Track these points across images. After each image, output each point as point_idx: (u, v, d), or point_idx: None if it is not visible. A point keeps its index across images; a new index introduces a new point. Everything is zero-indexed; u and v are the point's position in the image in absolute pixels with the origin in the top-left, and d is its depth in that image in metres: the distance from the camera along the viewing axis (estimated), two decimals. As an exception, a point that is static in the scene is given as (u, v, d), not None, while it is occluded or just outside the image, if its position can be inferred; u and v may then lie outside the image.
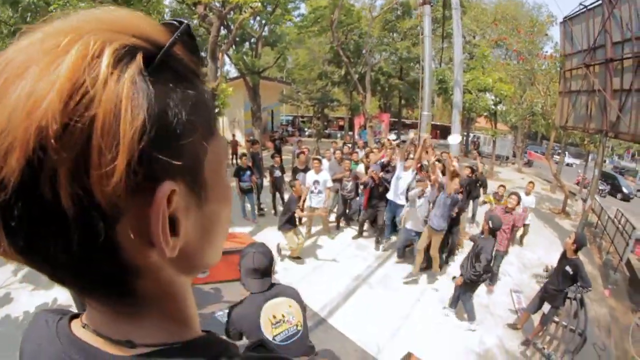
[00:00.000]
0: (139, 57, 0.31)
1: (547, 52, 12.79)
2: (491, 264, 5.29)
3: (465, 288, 5.22)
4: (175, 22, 0.37)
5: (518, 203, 6.44)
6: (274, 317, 2.39)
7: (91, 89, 0.28)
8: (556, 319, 5.39)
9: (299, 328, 2.47)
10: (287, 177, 9.33)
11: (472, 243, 5.47)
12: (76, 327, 0.44)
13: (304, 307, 2.55)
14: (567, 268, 4.78)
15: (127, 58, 0.30)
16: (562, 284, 4.88)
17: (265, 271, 2.41)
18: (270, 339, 2.33)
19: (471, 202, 9.28)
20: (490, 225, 5.04)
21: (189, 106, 0.34)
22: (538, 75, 12.16)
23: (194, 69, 0.38)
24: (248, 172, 8.41)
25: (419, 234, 6.39)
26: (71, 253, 0.31)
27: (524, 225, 8.33)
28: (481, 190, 9.74)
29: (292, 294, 2.53)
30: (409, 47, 22.41)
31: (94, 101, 0.28)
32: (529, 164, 24.22)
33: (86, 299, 0.40)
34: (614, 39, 7.85)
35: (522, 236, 8.99)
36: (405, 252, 7.19)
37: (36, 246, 0.31)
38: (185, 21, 0.38)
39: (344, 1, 17.03)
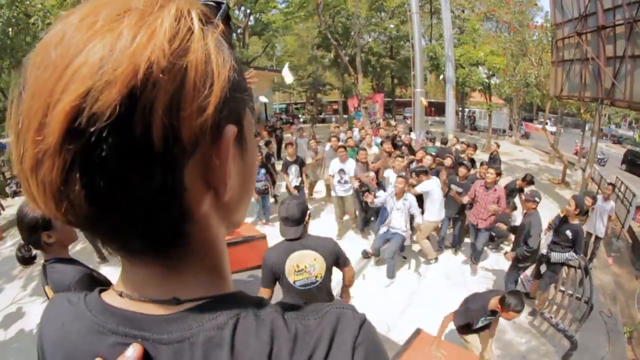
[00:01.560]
0: (219, 21, 0.38)
1: (537, 22, 12.64)
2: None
3: (515, 263, 5.25)
4: (213, 3, 0.41)
5: (498, 175, 5.79)
6: (297, 266, 2.71)
7: (189, 37, 0.33)
8: (562, 287, 5.44)
9: (318, 279, 2.77)
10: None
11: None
12: (111, 297, 0.45)
13: (334, 259, 2.81)
14: (568, 232, 4.81)
15: (207, 21, 0.36)
16: (565, 245, 4.93)
17: (297, 220, 2.64)
18: (292, 282, 2.71)
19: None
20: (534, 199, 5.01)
21: (239, 68, 0.40)
22: (530, 46, 12.00)
23: (233, 43, 0.43)
24: (263, 170, 7.43)
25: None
26: (144, 195, 0.33)
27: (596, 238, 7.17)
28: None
29: (323, 247, 2.76)
30: (397, 26, 22.08)
31: (191, 47, 0.33)
32: (526, 136, 24.09)
33: (135, 258, 0.41)
34: (604, 5, 7.72)
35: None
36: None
37: (113, 187, 0.32)
38: (224, 1, 0.42)
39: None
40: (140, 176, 0.32)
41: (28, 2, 7.84)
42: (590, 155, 9.61)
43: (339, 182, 7.07)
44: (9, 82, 15.22)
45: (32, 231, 1.79)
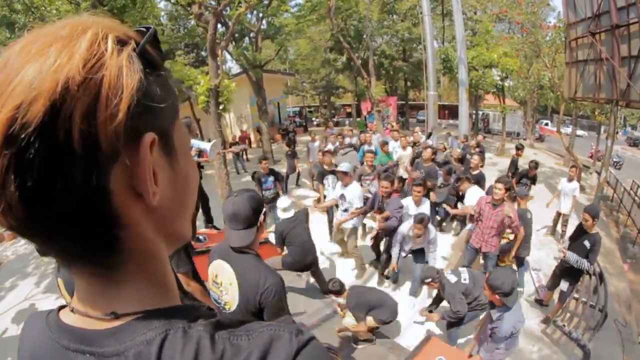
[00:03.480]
0: (132, 42, 0.42)
1: (550, 22, 12.44)
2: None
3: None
4: (143, 28, 0.46)
5: (506, 191, 5.00)
6: (217, 276, 2.17)
7: (102, 57, 0.38)
8: (576, 295, 5.31)
9: (227, 308, 2.11)
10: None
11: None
12: (65, 314, 0.49)
13: (255, 307, 1.99)
14: (586, 242, 4.69)
15: (122, 43, 0.41)
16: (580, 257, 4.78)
17: (244, 221, 1.94)
18: (208, 288, 2.27)
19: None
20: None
21: (160, 83, 0.44)
22: (543, 47, 11.82)
23: (160, 61, 0.46)
24: (271, 178, 7.02)
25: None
26: (70, 196, 0.37)
27: (562, 215, 7.74)
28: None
29: (247, 280, 2.00)
30: (409, 28, 21.98)
31: (104, 65, 0.38)
32: (540, 138, 23.60)
33: (73, 266, 0.44)
34: (618, 4, 7.59)
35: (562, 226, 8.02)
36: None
37: (42, 187, 0.36)
38: (152, 27, 0.47)
39: (340, -14, 16.82)
40: (64, 177, 0.36)
41: (44, 8, 8.12)
42: (605, 158, 9.39)
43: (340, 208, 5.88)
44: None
45: None
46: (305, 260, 4.88)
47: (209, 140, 6.14)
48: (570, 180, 7.62)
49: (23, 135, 0.34)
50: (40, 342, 0.48)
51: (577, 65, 9.95)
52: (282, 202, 5.66)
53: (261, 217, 1.99)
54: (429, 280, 4.32)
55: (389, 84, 28.29)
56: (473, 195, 5.89)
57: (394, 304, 4.38)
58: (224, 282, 2.09)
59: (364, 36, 20.77)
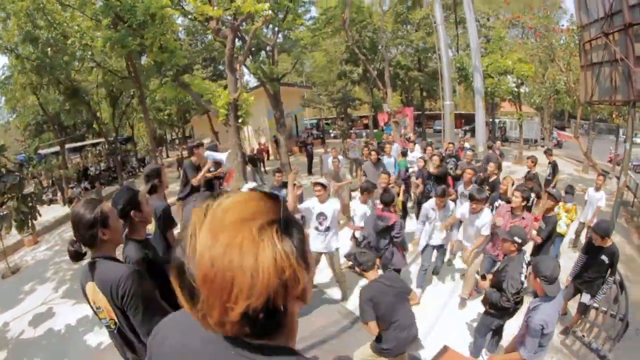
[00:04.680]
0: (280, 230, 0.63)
1: (563, 25, 12.36)
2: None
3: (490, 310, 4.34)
4: (272, 194, 0.69)
5: (523, 200, 4.98)
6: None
7: (284, 258, 0.60)
8: (595, 304, 5.14)
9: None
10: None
11: None
12: None
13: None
14: (604, 257, 4.53)
15: (285, 236, 0.63)
16: (598, 275, 4.66)
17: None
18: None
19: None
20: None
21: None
22: (557, 50, 11.72)
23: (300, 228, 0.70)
24: (284, 191, 6.40)
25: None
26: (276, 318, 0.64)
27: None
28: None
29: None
30: (423, 38, 22.12)
31: (285, 263, 0.60)
32: (558, 145, 23.18)
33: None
34: (630, 2, 7.51)
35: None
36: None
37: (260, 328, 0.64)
38: (282, 198, 0.71)
39: (353, -1, 17.13)
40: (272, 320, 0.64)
41: (66, 24, 8.58)
42: (624, 162, 9.16)
43: (317, 230, 5.18)
44: (47, 98, 16.61)
45: (90, 227, 1.96)
46: None
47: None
48: (597, 189, 7.46)
49: (252, 313, 0.59)
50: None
51: (592, 68, 9.82)
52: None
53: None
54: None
55: (404, 95, 28.37)
56: (464, 208, 5.56)
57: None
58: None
59: (379, 47, 20.99)
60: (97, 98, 19.85)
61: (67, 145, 20.70)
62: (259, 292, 0.57)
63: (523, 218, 4.96)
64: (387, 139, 13.51)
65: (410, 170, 9.14)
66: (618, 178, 9.63)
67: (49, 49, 9.21)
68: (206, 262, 0.58)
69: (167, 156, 31.36)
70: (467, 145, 11.19)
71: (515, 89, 16.08)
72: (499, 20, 19.57)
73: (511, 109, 20.05)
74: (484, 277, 4.23)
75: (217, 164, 6.04)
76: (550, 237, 5.45)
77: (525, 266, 3.75)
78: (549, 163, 9.43)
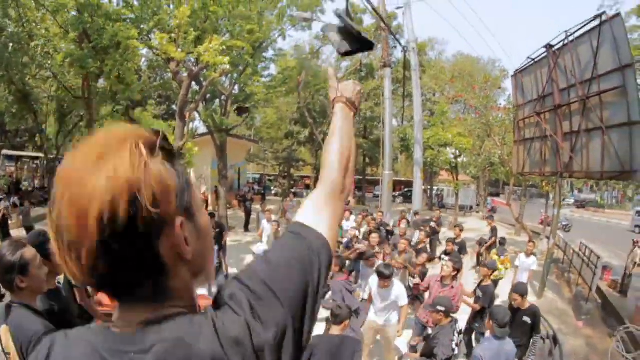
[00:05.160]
0: (157, 145, 0.59)
1: (501, 104, 14.00)
2: None
3: None
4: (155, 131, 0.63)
5: (454, 270, 5.23)
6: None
7: (144, 164, 0.55)
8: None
9: None
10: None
11: None
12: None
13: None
14: (526, 318, 4.65)
15: (151, 147, 0.58)
16: (523, 336, 4.65)
17: None
18: None
19: None
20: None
21: (181, 172, 0.62)
22: (494, 127, 13.12)
23: (176, 154, 0.64)
24: (216, 247, 6.38)
25: None
26: (139, 260, 0.56)
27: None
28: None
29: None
30: (372, 108, 23.70)
31: (149, 169, 0.55)
32: (493, 210, 24.76)
33: (127, 301, 0.62)
34: (560, 86, 8.69)
35: None
36: None
37: (123, 255, 0.54)
38: (162, 130, 0.64)
39: (311, 63, 18.07)
40: (135, 247, 0.55)
41: (34, 24, 8.10)
42: (553, 225, 10.04)
43: None
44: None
45: (8, 272, 1.90)
46: None
47: None
48: (528, 255, 7.84)
49: (112, 224, 0.51)
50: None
51: (524, 143, 11.01)
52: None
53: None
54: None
55: (348, 160, 29.42)
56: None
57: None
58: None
59: (329, 112, 21.95)
60: (47, 110, 18.83)
61: (4, 152, 19.50)
62: (112, 198, 0.51)
63: (452, 287, 5.10)
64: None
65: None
66: (548, 238, 10.46)
67: (11, 44, 8.55)
68: (66, 173, 0.55)
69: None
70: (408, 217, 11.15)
71: (454, 160, 17.44)
72: (444, 96, 21.68)
73: (449, 177, 21.58)
74: (414, 350, 4.50)
75: None
76: (490, 305, 5.48)
77: (456, 334, 3.83)
78: (491, 229, 10.15)
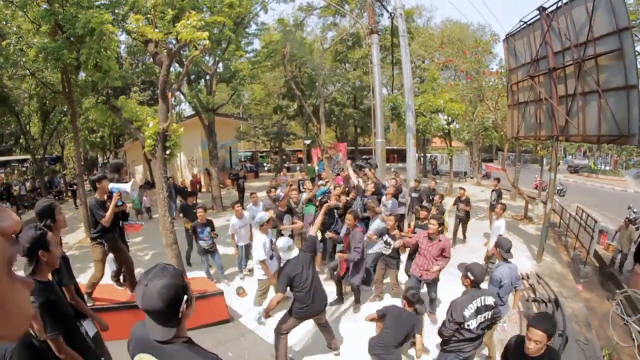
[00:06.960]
0: None
1: (492, 69, 13.68)
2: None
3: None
4: None
5: (439, 226, 5.52)
6: None
7: None
8: None
9: None
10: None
11: None
12: None
13: None
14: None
15: None
16: None
17: (160, 313, 1.56)
18: None
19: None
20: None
21: None
22: (486, 91, 12.89)
23: None
24: (207, 229, 7.12)
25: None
26: None
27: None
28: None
29: None
30: (360, 76, 23.20)
31: None
32: (487, 176, 25.09)
33: None
34: (554, 49, 8.46)
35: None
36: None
37: None
38: None
39: (295, 35, 17.46)
40: None
41: (4, 23, 7.66)
42: (549, 190, 10.06)
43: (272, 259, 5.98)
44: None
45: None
46: (314, 307, 4.56)
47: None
48: (497, 218, 7.65)
49: None
50: None
51: (518, 107, 10.84)
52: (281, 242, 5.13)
53: (183, 307, 1.59)
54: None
55: (339, 131, 29.21)
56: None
57: None
58: None
59: (317, 84, 21.51)
60: (28, 110, 18.27)
61: (-9, 159, 18.35)
62: None
63: (440, 240, 5.50)
64: (322, 177, 13.27)
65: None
66: (544, 203, 10.51)
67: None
68: None
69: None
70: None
71: (446, 126, 17.26)
72: (434, 62, 21.23)
73: (442, 144, 21.48)
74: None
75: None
76: None
77: (473, 304, 3.64)
78: (493, 190, 10.12)
